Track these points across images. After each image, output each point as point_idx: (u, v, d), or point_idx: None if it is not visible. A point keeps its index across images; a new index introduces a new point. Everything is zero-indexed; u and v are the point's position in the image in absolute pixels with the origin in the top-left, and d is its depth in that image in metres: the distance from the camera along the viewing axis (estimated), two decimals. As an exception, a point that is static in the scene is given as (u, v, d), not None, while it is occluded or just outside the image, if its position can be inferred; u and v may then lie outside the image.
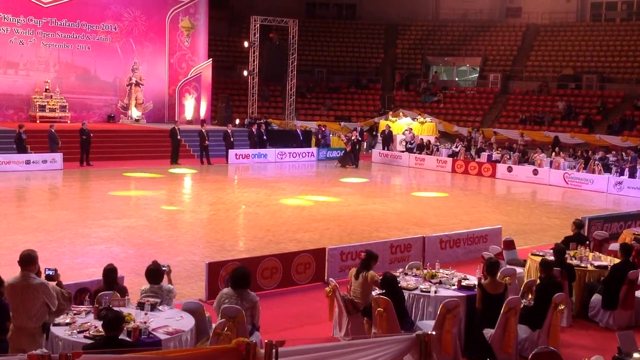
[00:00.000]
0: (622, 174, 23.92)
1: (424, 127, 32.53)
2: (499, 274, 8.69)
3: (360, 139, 30.25)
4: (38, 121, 28.85)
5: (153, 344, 6.61)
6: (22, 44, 30.03)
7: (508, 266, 10.34)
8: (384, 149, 31.37)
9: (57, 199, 19.43)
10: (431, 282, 9.02)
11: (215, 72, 36.26)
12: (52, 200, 19.06)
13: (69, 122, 29.63)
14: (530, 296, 8.97)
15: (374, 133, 34.30)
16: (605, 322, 9.74)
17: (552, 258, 10.14)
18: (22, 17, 29.87)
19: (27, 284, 6.71)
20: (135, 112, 32.23)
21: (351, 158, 28.21)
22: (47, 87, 29.92)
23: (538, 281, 9.08)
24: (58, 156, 23.75)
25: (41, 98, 29.72)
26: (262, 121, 32.33)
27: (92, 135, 24.81)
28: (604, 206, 20.89)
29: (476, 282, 8.94)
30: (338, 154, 30.07)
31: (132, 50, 32.78)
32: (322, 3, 46.43)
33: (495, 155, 27.65)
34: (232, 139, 27.84)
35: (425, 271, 9.38)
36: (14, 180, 21.33)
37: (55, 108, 29.83)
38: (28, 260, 6.81)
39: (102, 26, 31.94)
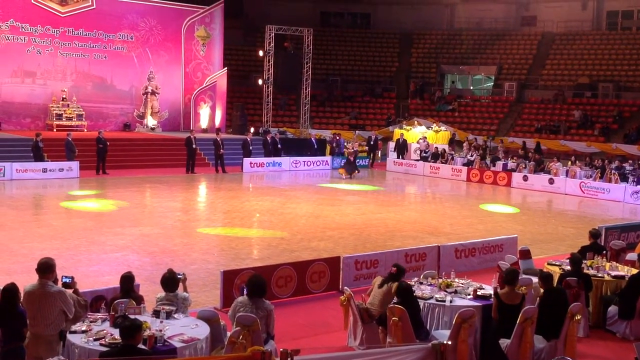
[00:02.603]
0: (638, 183, 23.73)
1: (438, 135, 32.47)
2: (523, 287, 8.61)
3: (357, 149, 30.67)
4: (55, 130, 29.08)
5: (168, 352, 6.64)
6: (40, 53, 30.34)
7: (524, 276, 10.26)
8: (398, 157, 31.33)
9: (74, 207, 19.53)
10: (446, 291, 8.98)
11: (230, 81, 36.43)
12: (68, 209, 19.17)
13: (85, 130, 29.85)
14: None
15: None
16: (623, 333, 9.66)
17: (568, 268, 10.09)
18: (39, 26, 30.19)
19: (45, 291, 6.75)
20: (151, 121, 32.44)
21: (354, 167, 27.82)
22: (64, 96, 30.18)
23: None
24: (74, 164, 23.91)
25: (58, 107, 29.97)
26: (274, 131, 32.33)
27: (108, 143, 24.97)
28: (620, 215, 20.73)
29: (492, 292, 8.90)
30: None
31: (148, 59, 33.02)
32: (336, 12, 46.58)
33: (511, 164, 27.53)
34: (250, 148, 27.97)
35: (440, 280, 9.34)
36: (31, 188, 21.51)
37: (72, 117, 30.06)
38: (46, 268, 6.86)
39: (119, 35, 32.22)
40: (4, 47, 29.46)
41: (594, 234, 11.56)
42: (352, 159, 28.24)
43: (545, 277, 8.96)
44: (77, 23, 31.01)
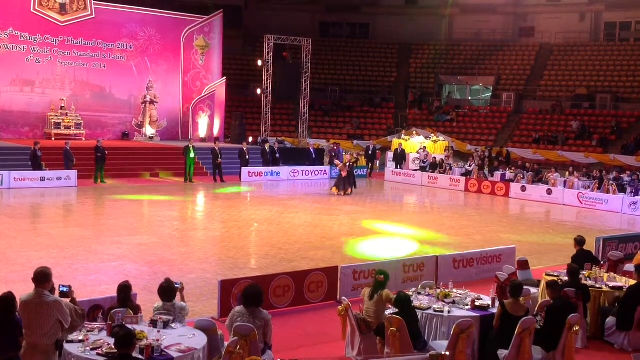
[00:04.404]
0: (636, 194, 23.73)
1: (436, 145, 32.52)
2: (521, 298, 8.60)
3: (356, 161, 29.02)
4: (53, 138, 29.07)
5: (165, 362, 6.62)
6: (39, 62, 30.37)
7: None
8: (396, 167, 31.36)
9: (71, 215, 19.54)
10: (444, 301, 8.96)
11: (229, 91, 36.47)
12: (66, 217, 19.16)
13: (84, 139, 29.83)
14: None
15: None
16: (621, 344, 9.64)
17: (566, 278, 10.08)
18: (38, 35, 30.24)
19: (41, 301, 6.73)
20: (149, 130, 32.44)
21: (349, 183, 24.97)
22: (62, 105, 30.17)
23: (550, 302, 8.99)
24: (73, 173, 23.90)
25: (57, 115, 29.97)
26: (272, 141, 32.33)
27: (106, 152, 24.97)
28: (618, 226, 20.73)
29: (490, 302, 8.89)
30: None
31: (147, 68, 33.06)
32: (335, 22, 46.72)
33: (509, 175, 27.55)
34: (247, 157, 27.97)
35: (438, 291, 9.32)
36: (29, 197, 21.48)
37: (71, 125, 30.06)
38: (42, 278, 6.83)
39: (118, 45, 32.27)
40: (3, 56, 29.49)
41: (579, 241, 11.59)
42: (344, 174, 24.90)
43: (553, 285, 8.94)
44: (76, 32, 31.05)
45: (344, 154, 31.73)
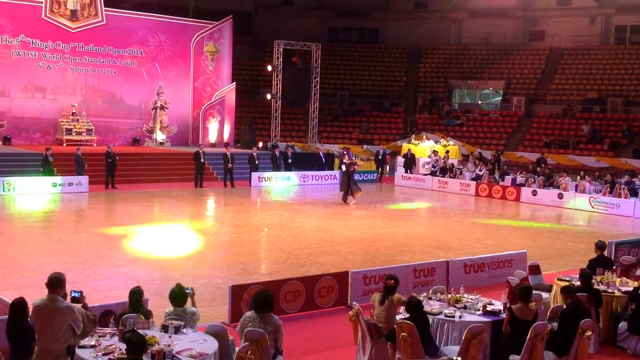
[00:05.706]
0: (648, 198, 23.60)
1: (449, 149, 32.42)
2: (532, 303, 8.55)
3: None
4: (65, 144, 29.24)
5: (177, 367, 6.62)
6: (50, 68, 30.56)
7: (534, 291, 10.19)
8: (406, 172, 31.30)
9: (83, 221, 19.61)
10: (456, 306, 8.92)
11: (239, 96, 36.55)
12: (77, 223, 19.23)
13: (95, 145, 29.98)
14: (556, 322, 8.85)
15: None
16: (633, 349, 9.57)
17: (578, 283, 10.02)
18: (50, 42, 30.43)
19: (54, 306, 6.75)
20: (160, 136, 32.55)
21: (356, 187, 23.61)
22: (73, 111, 30.35)
23: (564, 307, 8.95)
24: (84, 179, 24.00)
25: (68, 121, 30.14)
26: (282, 146, 32.34)
27: (117, 158, 25.07)
28: (630, 231, 20.58)
29: (502, 307, 8.84)
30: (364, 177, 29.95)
31: (158, 74, 33.20)
32: (344, 27, 46.79)
33: (520, 179, 27.44)
34: (257, 162, 28.02)
35: (449, 296, 9.29)
36: (40, 202, 21.56)
37: (82, 131, 30.22)
38: (56, 283, 6.86)
39: (128, 51, 32.43)
40: (14, 63, 29.71)
41: (600, 246, 11.51)
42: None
43: (567, 290, 8.89)
44: (87, 38, 31.23)
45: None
